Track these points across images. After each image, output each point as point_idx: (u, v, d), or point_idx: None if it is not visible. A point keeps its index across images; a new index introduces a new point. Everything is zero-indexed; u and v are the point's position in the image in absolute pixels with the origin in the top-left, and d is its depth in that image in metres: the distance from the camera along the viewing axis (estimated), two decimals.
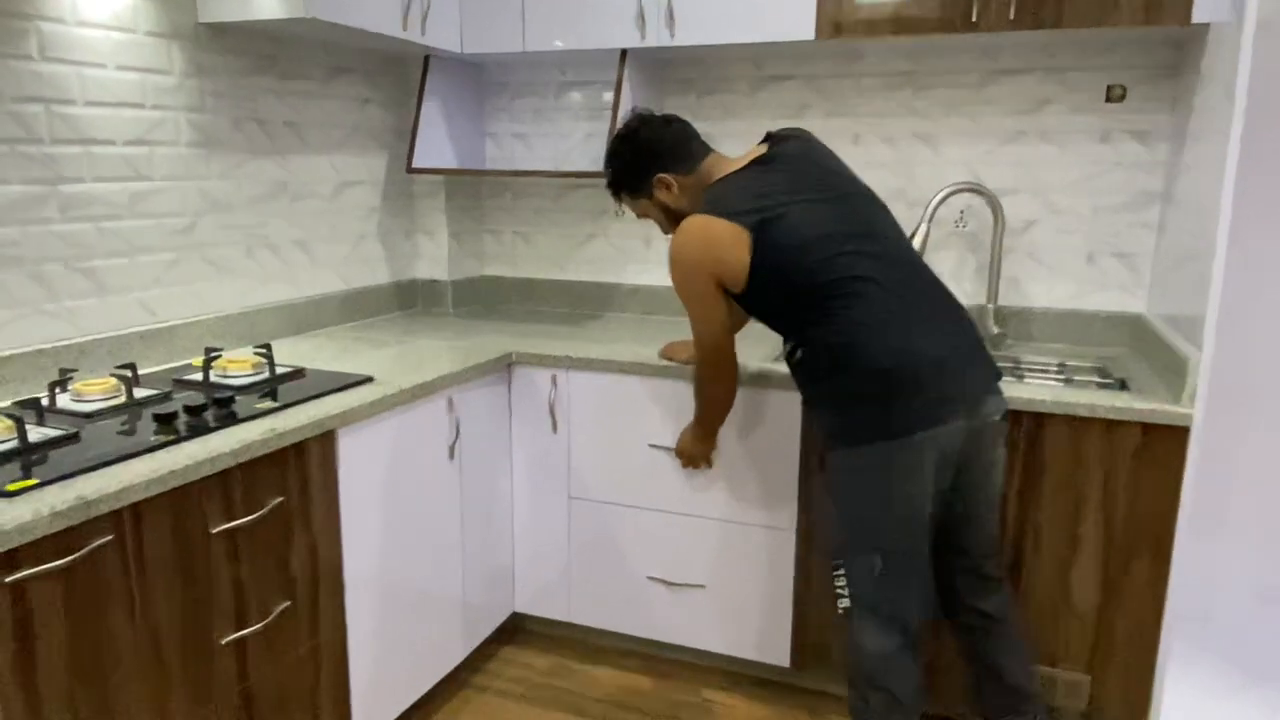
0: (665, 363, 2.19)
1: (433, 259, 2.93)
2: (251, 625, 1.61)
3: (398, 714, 2.06)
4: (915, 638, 1.67)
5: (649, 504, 2.28)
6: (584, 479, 2.34)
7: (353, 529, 1.84)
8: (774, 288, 1.66)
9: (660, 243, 2.84)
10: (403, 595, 2.02)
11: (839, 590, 1.67)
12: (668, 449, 2.22)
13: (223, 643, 1.56)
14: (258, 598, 1.63)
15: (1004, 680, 1.78)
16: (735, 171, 1.75)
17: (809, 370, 1.71)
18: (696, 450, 2.08)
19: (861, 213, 1.69)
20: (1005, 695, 1.79)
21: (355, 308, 2.69)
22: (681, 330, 2.60)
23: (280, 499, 1.65)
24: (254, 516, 1.59)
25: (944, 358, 1.60)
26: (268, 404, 1.75)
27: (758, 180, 1.70)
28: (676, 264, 1.73)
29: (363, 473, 1.86)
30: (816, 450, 2.09)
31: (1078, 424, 1.88)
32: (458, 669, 2.33)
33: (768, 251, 1.63)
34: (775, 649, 2.26)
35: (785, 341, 1.77)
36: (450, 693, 2.30)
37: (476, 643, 2.34)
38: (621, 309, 2.91)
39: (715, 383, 1.88)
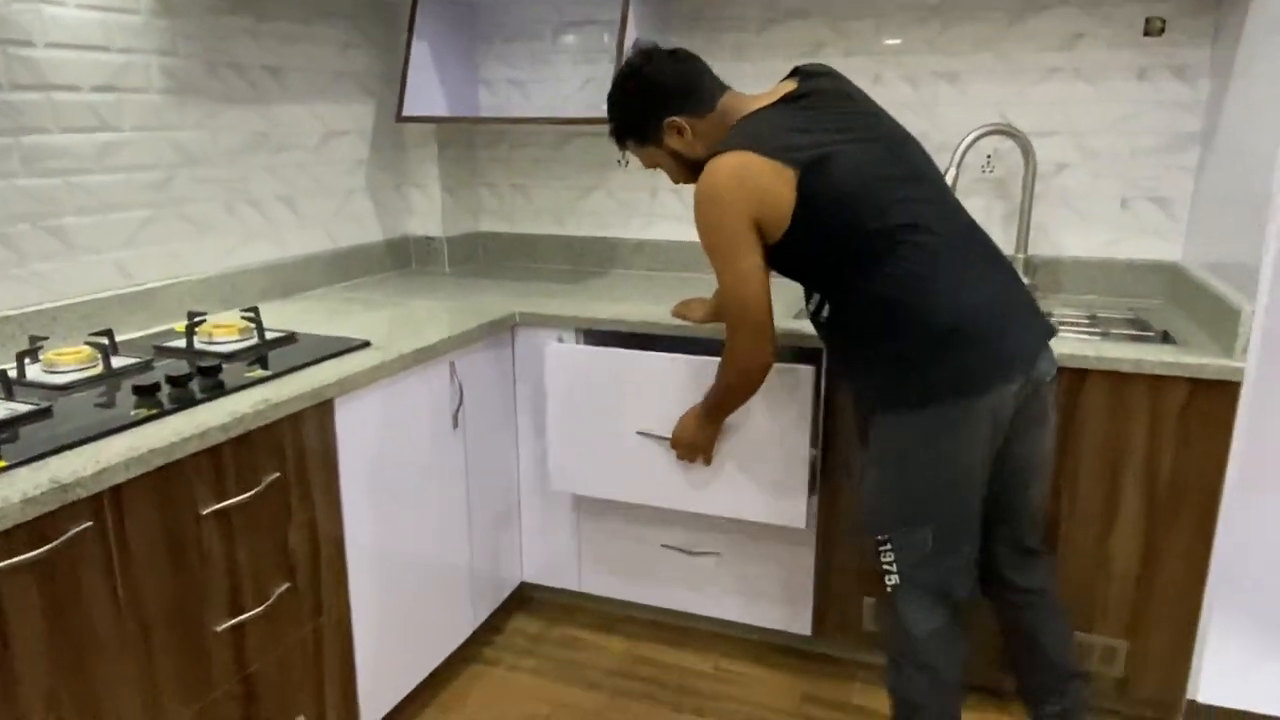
0: (679, 322, 2.06)
1: (425, 214, 2.78)
2: (249, 610, 1.50)
3: (406, 693, 1.97)
4: (962, 613, 1.57)
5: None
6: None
7: (354, 503, 1.73)
8: (818, 235, 1.49)
9: (667, 194, 2.69)
10: (408, 569, 1.92)
11: (885, 567, 1.56)
12: (663, 436, 2.09)
13: (218, 630, 1.45)
14: (255, 581, 1.51)
15: (1045, 656, 1.68)
16: (766, 107, 1.57)
17: (851, 328, 1.56)
18: (698, 438, 1.90)
19: (908, 156, 1.54)
20: (1045, 673, 1.69)
21: (345, 267, 2.55)
22: (691, 287, 2.47)
23: (276, 475, 1.53)
24: (248, 495, 1.47)
25: (1002, 313, 1.48)
26: (258, 372, 1.62)
27: (795, 116, 1.53)
28: (707, 204, 1.51)
29: (363, 443, 1.74)
30: (856, 417, 1.97)
31: (1120, 380, 1.78)
32: (466, 643, 2.24)
33: (817, 193, 1.46)
34: (795, 617, 2.18)
35: (812, 297, 1.62)
36: (459, 668, 2.21)
37: (485, 615, 2.25)
38: (626, 265, 2.77)
39: (745, 354, 1.60)
